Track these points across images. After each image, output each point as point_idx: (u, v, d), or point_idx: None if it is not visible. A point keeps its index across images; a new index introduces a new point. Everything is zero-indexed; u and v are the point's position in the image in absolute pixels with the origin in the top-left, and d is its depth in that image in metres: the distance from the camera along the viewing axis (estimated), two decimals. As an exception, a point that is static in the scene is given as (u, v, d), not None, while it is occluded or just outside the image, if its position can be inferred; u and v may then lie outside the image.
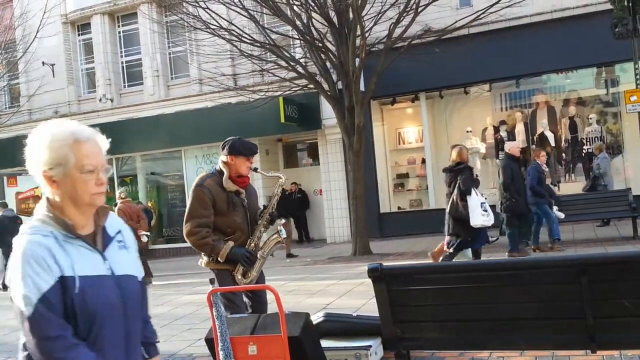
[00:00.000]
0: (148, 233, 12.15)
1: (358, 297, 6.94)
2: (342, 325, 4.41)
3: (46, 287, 1.60)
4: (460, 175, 7.58)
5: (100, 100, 17.83)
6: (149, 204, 17.40)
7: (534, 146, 14.22)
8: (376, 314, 3.79)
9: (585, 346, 3.47)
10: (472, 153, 14.94)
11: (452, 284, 3.67)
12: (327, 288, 8.25)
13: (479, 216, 7.40)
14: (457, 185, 7.58)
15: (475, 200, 7.46)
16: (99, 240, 1.78)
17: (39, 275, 1.60)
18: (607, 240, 9.97)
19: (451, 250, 7.75)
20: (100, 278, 1.71)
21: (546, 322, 3.46)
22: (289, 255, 12.81)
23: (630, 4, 9.89)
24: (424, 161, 15.33)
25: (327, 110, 14.09)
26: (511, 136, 14.46)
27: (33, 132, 1.75)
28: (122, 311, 1.75)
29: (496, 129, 14.79)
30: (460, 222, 7.53)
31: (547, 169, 10.49)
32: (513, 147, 9.59)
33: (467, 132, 14.85)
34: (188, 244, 4.12)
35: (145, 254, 12.00)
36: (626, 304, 3.23)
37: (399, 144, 16.08)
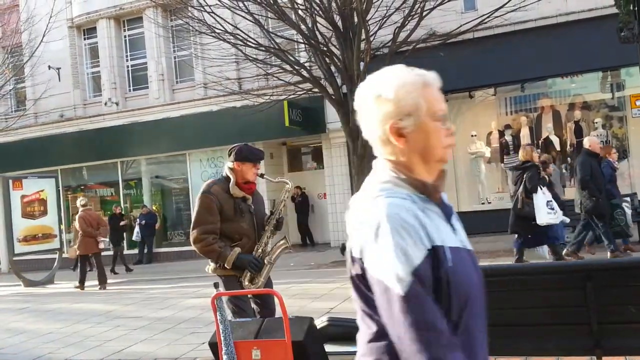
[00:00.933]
0: (107, 239, 12.92)
1: (362, 302, 6.91)
2: (346, 330, 4.39)
3: (417, 261, 1.31)
4: (527, 174, 7.68)
5: (105, 104, 17.89)
6: (154, 208, 17.45)
7: (538, 150, 14.16)
8: (380, 318, 3.77)
9: (590, 352, 3.45)
10: (477, 157, 14.94)
11: (457, 288, 3.65)
12: (332, 292, 8.24)
13: (545, 214, 7.49)
14: (523, 183, 7.67)
15: (541, 199, 7.56)
16: (443, 208, 1.48)
17: (409, 246, 1.31)
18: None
19: (515, 251, 7.85)
20: (460, 251, 1.42)
21: (551, 327, 3.45)
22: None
23: (636, 8, 9.85)
24: (428, 165, 15.29)
25: (332, 114, 14.10)
26: (516, 140, 14.43)
27: (366, 84, 1.48)
28: (480, 291, 1.46)
29: (501, 133, 14.77)
30: (523, 219, 7.63)
31: (618, 167, 10.07)
32: (594, 142, 8.90)
33: (472, 136, 14.83)
34: (192, 248, 4.13)
35: (99, 259, 12.47)
36: (632, 310, 3.21)
37: (404, 148, 16.05)
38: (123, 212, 16.53)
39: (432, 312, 1.30)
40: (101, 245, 12.40)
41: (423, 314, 1.29)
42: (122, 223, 15.64)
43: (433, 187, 1.44)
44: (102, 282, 12.00)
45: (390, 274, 1.31)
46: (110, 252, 14.90)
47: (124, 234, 15.97)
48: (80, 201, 12.77)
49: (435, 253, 1.34)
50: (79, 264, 12.79)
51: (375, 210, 1.36)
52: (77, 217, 12.41)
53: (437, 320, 1.30)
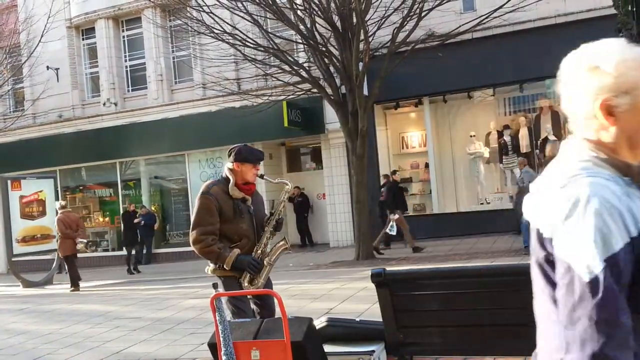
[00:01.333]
0: (85, 240, 12.86)
1: (361, 302, 6.93)
2: (345, 330, 4.39)
3: (616, 247, 1.20)
4: None
5: (104, 104, 17.88)
6: (152, 208, 17.44)
7: (537, 151, 14.21)
8: (379, 318, 3.78)
9: (590, 352, 3.45)
10: (476, 157, 14.95)
11: (456, 289, 3.65)
12: (330, 292, 8.24)
13: None
14: None
15: None
16: None
17: (610, 231, 1.21)
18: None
19: None
20: None
21: (550, 327, 3.44)
22: (415, 249, 12.25)
23: (635, 9, 9.87)
24: (427, 165, 15.32)
25: (331, 115, 14.10)
26: (515, 141, 14.44)
27: (579, 53, 1.38)
28: None
29: (500, 134, 14.77)
30: None
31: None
32: None
33: (471, 136, 14.85)
34: (191, 248, 4.12)
35: (75, 261, 12.48)
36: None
37: (402, 148, 16.08)
38: (137, 210, 16.31)
39: (615, 305, 1.19)
40: (79, 246, 12.38)
41: (604, 305, 1.19)
42: (135, 220, 15.62)
43: (639, 168, 1.33)
44: (75, 284, 12.03)
45: (579, 257, 1.21)
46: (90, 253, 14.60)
47: (138, 232, 15.83)
48: (58, 203, 12.82)
49: (634, 241, 1.22)
50: (65, 267, 12.76)
51: (574, 188, 1.25)
52: (56, 219, 12.46)
53: (620, 315, 1.19)
